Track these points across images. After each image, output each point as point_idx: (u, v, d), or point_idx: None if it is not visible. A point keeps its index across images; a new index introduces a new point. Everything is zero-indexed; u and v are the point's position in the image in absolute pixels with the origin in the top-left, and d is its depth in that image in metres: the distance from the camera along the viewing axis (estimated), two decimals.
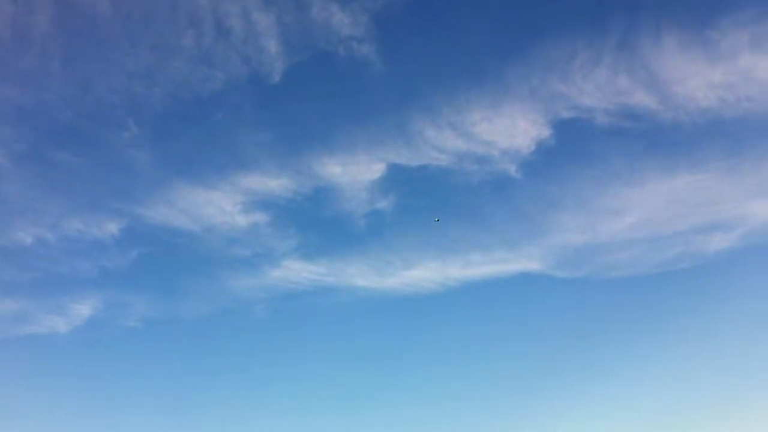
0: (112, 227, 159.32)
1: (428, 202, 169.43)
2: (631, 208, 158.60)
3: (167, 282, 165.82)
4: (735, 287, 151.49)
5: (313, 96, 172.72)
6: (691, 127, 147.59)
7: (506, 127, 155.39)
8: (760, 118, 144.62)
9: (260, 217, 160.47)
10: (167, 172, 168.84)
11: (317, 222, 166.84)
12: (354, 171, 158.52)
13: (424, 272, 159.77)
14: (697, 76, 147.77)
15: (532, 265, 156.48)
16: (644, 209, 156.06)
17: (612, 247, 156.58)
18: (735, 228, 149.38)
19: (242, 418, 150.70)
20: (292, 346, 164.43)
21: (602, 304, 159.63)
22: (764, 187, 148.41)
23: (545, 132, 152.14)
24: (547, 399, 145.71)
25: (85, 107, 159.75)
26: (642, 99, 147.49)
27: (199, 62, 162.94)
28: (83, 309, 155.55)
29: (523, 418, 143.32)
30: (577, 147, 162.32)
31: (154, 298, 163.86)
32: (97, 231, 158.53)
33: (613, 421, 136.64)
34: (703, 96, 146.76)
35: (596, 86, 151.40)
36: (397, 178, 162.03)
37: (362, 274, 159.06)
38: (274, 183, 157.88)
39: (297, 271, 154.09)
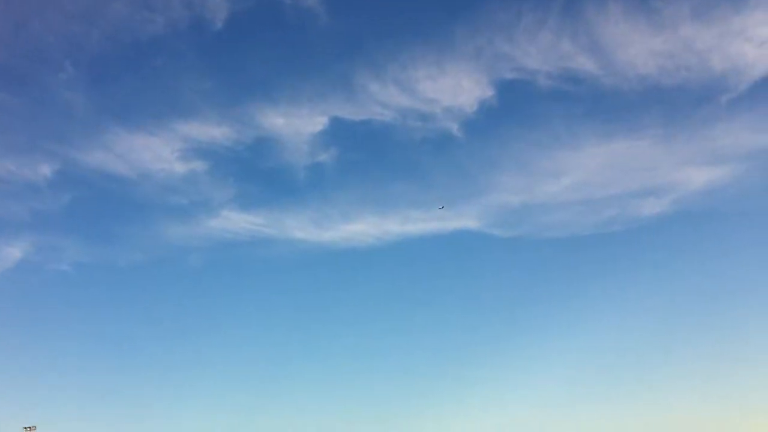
0: (45, 170, 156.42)
1: (370, 157, 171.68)
2: (568, 170, 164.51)
3: (101, 227, 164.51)
4: (665, 251, 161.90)
5: (257, 45, 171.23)
6: (630, 94, 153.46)
7: (450, 86, 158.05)
8: (698, 87, 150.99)
9: (198, 166, 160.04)
10: (104, 116, 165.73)
11: (257, 173, 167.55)
12: (296, 123, 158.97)
13: (363, 226, 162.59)
14: (639, 43, 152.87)
15: (470, 223, 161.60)
16: (581, 172, 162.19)
17: (548, 208, 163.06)
18: (667, 194, 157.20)
19: (172, 364, 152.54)
20: (228, 296, 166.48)
21: (538, 263, 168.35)
22: (697, 155, 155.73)
23: (488, 92, 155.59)
24: (481, 352, 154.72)
25: (19, 47, 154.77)
26: (584, 63, 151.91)
27: (140, 5, 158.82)
28: (14, 252, 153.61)
29: (460, 370, 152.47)
30: (519, 108, 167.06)
31: (87, 242, 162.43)
32: (30, 173, 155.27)
33: (543, 373, 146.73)
34: (643, 63, 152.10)
35: (540, 49, 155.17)
36: (340, 131, 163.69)
37: (301, 227, 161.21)
38: (214, 131, 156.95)
39: (235, 222, 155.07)
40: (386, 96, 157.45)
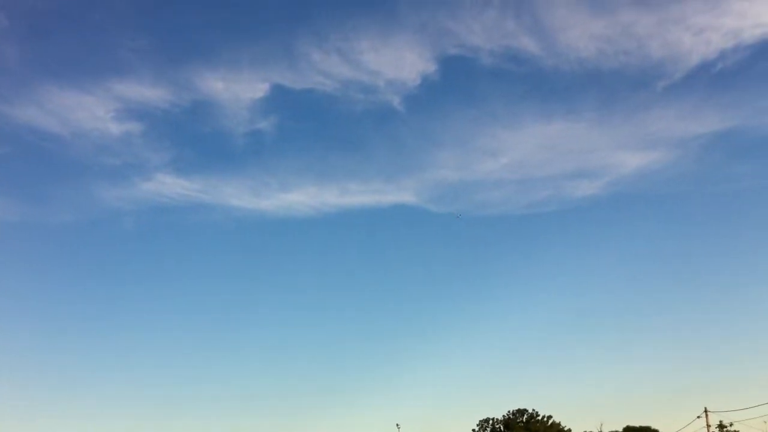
0: None
1: (310, 126, 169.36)
2: (506, 149, 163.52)
3: (30, 185, 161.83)
4: (597, 232, 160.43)
5: (198, 6, 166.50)
6: (569, 76, 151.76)
7: (393, 59, 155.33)
8: (635, 72, 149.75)
9: (134, 127, 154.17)
10: (37, 71, 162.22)
11: (194, 137, 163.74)
12: (236, 88, 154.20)
13: (301, 197, 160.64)
14: (580, 26, 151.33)
15: (408, 198, 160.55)
16: (518, 152, 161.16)
17: (485, 186, 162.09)
18: (601, 176, 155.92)
19: (100, 325, 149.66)
20: (161, 261, 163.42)
21: (472, 240, 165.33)
22: (632, 139, 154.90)
23: (431, 67, 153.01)
24: (412, 326, 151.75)
25: None
26: (526, 44, 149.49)
27: None
28: None
29: (393, 343, 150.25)
30: (461, 85, 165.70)
31: (16, 201, 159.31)
32: None
33: (469, 348, 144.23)
34: (583, 46, 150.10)
35: (484, 27, 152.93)
36: (281, 99, 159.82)
37: (238, 194, 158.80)
38: (151, 93, 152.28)
39: (170, 186, 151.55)
40: (328, 65, 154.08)
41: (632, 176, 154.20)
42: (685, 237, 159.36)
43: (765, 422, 73.36)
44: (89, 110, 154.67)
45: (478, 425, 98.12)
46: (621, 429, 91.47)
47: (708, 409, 68.28)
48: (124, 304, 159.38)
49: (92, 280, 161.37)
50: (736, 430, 68.06)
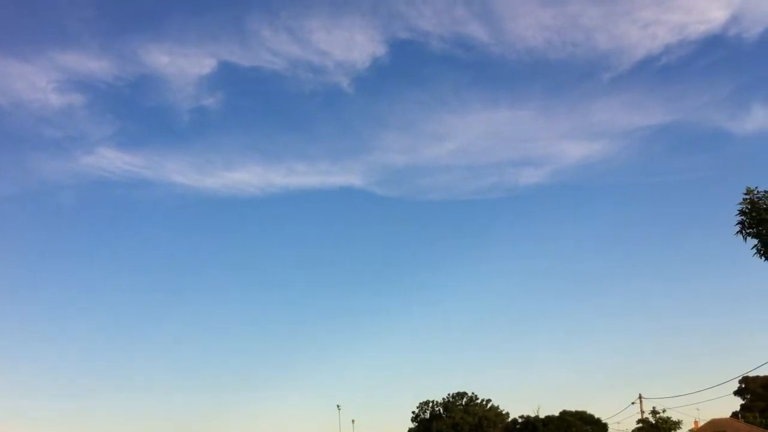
0: None
1: (257, 105, 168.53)
2: (452, 135, 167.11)
3: None
4: (540, 220, 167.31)
5: None
6: (516, 64, 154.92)
7: (344, 40, 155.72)
8: (581, 63, 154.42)
9: (76, 99, 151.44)
10: None
11: (138, 111, 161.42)
12: (182, 63, 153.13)
13: (246, 176, 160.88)
14: (529, 15, 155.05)
15: (355, 180, 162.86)
16: (464, 138, 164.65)
17: (431, 171, 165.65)
18: (545, 165, 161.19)
19: (37, 299, 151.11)
20: (102, 236, 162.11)
21: (417, 225, 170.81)
22: (575, 129, 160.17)
23: (381, 50, 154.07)
24: (353, 309, 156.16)
25: None
26: (475, 30, 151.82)
27: None
28: None
29: (333, 324, 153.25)
30: (409, 69, 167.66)
31: None
32: None
33: (409, 334, 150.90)
34: (532, 36, 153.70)
35: (434, 12, 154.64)
36: (228, 76, 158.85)
37: (181, 171, 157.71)
38: (94, 64, 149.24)
39: (111, 160, 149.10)
40: (278, 44, 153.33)
41: (576, 166, 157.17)
42: (627, 226, 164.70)
43: (697, 409, 75.42)
44: (29, 80, 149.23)
45: (418, 407, 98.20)
46: (557, 413, 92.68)
47: (642, 395, 69.43)
48: (61, 279, 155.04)
49: (30, 255, 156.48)
50: (669, 416, 69.42)
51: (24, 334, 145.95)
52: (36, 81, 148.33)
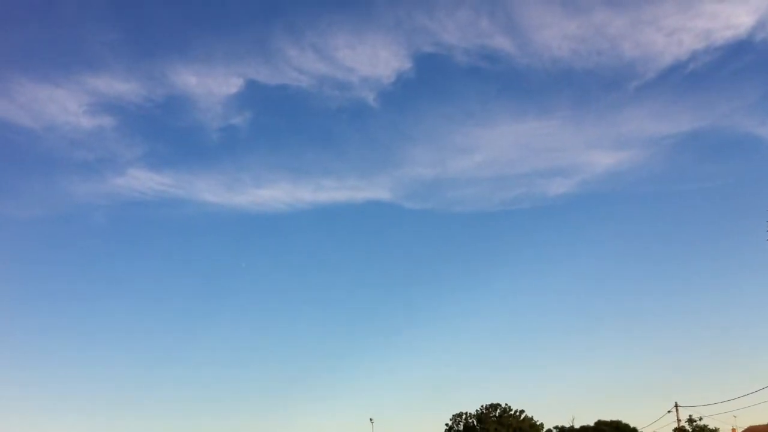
0: None
1: (284, 122, 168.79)
2: (480, 147, 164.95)
3: (0, 180, 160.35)
4: (569, 230, 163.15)
5: None
6: (543, 75, 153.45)
7: (368, 56, 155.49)
8: (608, 72, 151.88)
9: (106, 121, 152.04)
10: (7, 64, 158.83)
11: (167, 131, 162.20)
12: (210, 83, 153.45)
13: (275, 192, 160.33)
14: (554, 26, 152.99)
15: (383, 195, 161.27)
16: (492, 149, 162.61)
17: (459, 183, 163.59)
18: (574, 175, 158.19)
19: (70, 321, 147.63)
20: (133, 256, 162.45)
21: (446, 237, 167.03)
22: (604, 139, 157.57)
23: (406, 64, 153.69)
24: (386, 324, 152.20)
25: None
26: (500, 43, 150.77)
27: None
28: None
29: (367, 338, 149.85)
30: (435, 82, 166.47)
31: None
32: None
33: (450, 341, 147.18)
34: (557, 46, 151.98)
35: (458, 25, 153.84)
36: (255, 95, 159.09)
37: (211, 189, 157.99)
38: (123, 87, 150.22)
39: (142, 181, 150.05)
40: (303, 61, 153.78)
41: (604, 175, 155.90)
42: (656, 236, 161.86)
43: (734, 417, 74.63)
44: (61, 104, 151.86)
45: (451, 419, 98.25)
46: (593, 423, 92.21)
47: (678, 403, 69.08)
48: (94, 300, 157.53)
49: (63, 276, 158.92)
50: (705, 424, 68.88)
51: (56, 358, 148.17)
52: (67, 105, 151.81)
